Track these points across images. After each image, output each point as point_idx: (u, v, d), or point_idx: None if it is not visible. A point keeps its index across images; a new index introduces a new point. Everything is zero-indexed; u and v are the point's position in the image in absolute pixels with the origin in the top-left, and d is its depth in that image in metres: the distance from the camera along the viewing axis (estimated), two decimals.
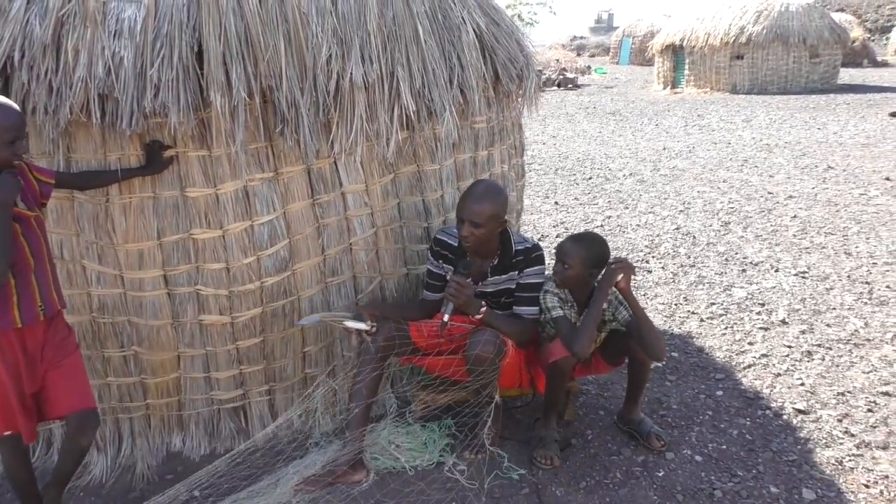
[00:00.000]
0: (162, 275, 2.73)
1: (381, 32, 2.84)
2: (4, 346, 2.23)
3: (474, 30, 3.19)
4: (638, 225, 6.28)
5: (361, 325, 2.76)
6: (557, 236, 5.98)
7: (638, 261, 5.28)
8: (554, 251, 2.98)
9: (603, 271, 2.79)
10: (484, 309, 2.75)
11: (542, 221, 6.51)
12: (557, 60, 25.87)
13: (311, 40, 2.71)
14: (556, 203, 7.18)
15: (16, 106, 2.16)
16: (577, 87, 21.22)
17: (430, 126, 3.07)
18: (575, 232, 6.01)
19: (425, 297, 3.09)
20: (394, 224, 3.13)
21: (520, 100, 3.74)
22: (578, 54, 34.67)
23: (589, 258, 2.81)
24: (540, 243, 5.49)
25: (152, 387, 2.88)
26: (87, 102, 2.45)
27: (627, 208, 6.89)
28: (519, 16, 29.29)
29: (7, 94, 2.45)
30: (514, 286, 2.93)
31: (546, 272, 2.98)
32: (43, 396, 2.34)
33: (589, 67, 26.95)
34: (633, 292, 2.76)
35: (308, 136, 2.68)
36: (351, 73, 2.73)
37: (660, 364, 3.64)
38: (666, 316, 4.29)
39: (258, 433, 3.01)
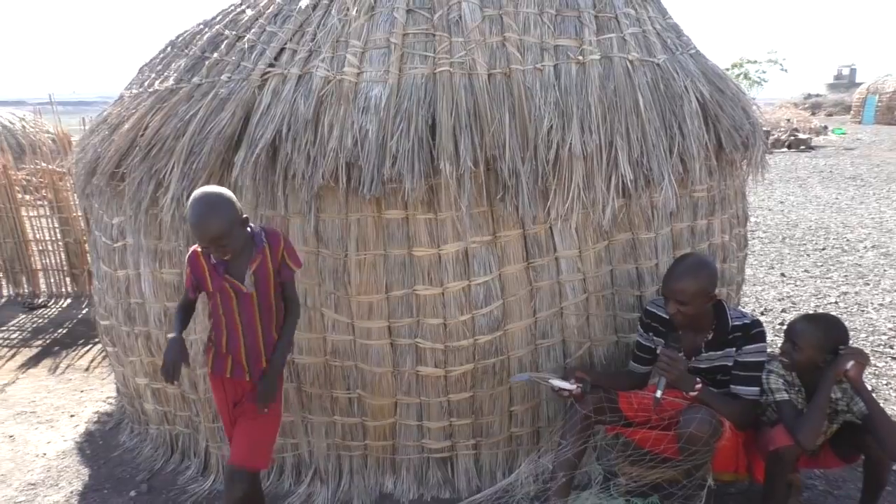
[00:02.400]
0: (387, 326, 2.97)
1: (602, 104, 2.92)
2: (218, 386, 2.59)
3: (697, 98, 3.16)
4: (881, 304, 5.63)
5: (565, 385, 2.82)
6: (783, 311, 5.54)
7: (880, 345, 4.72)
8: (784, 330, 2.79)
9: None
10: (699, 386, 2.64)
11: (766, 294, 6.07)
12: (788, 120, 24.16)
13: (534, 112, 2.86)
14: (783, 275, 6.66)
15: (209, 221, 2.24)
16: (810, 148, 19.63)
17: (648, 194, 3.06)
18: (803, 308, 5.58)
19: (632, 369, 3.04)
20: (606, 291, 3.13)
21: (744, 168, 3.59)
22: (813, 113, 32.15)
23: (824, 343, 2.59)
24: (760, 318, 5.14)
25: (371, 429, 3.11)
26: (336, 170, 2.78)
27: (868, 284, 6.20)
28: (745, 75, 27.91)
29: (274, 163, 2.86)
30: (730, 363, 2.78)
31: (768, 350, 2.79)
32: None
33: (825, 127, 24.82)
34: (875, 381, 2.49)
35: (526, 203, 2.80)
36: (570, 143, 2.83)
37: None
38: None
39: (462, 484, 3.12)
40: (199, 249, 2.43)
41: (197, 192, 2.33)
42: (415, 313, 2.95)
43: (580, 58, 2.97)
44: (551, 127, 2.84)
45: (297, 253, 2.57)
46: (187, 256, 2.49)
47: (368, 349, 2.99)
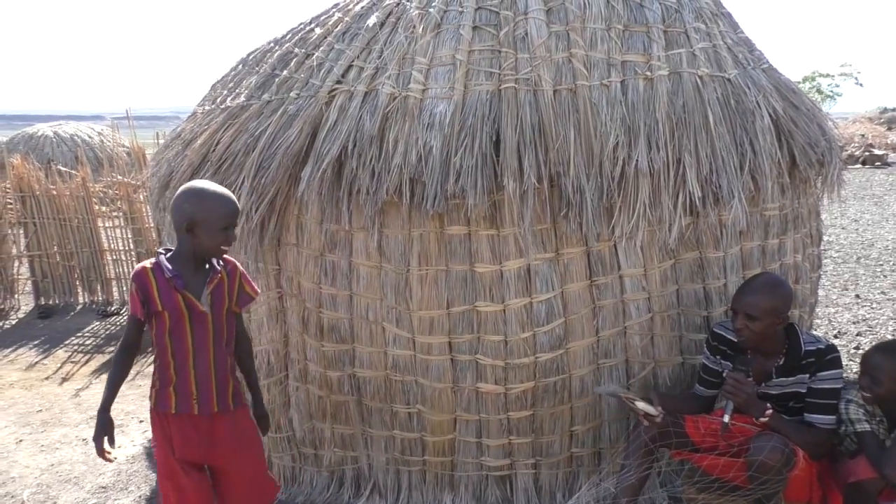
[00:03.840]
0: (447, 341, 2.96)
1: (670, 120, 2.87)
2: (164, 425, 2.35)
3: (769, 114, 3.07)
4: None
5: (651, 409, 2.72)
6: (857, 334, 5.30)
7: None
8: (860, 363, 2.66)
9: None
10: (770, 412, 2.55)
11: (840, 317, 5.82)
12: (863, 135, 23.24)
13: (600, 128, 2.83)
14: (858, 296, 6.38)
15: (232, 196, 2.34)
16: (886, 164, 18.83)
17: (717, 212, 2.98)
18: (880, 332, 5.32)
19: (697, 392, 2.95)
20: (671, 311, 3.05)
21: (819, 185, 3.47)
22: (889, 128, 30.84)
23: None
24: (835, 342, 4.94)
25: (430, 444, 3.10)
26: (400, 185, 2.80)
27: None
28: (817, 89, 26.99)
29: (339, 178, 2.90)
30: (803, 390, 2.68)
31: (843, 375, 2.68)
32: (218, 482, 2.43)
33: None
34: None
35: (591, 220, 2.77)
36: (637, 160, 2.78)
37: None
38: None
39: None
40: (149, 266, 2.31)
41: (196, 182, 2.38)
42: (475, 329, 2.94)
43: (648, 73, 2.92)
44: (617, 143, 2.81)
45: (252, 281, 2.51)
46: (133, 275, 2.33)
47: (429, 364, 2.99)
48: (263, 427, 2.62)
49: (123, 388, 4.25)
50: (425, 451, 3.12)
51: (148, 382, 4.84)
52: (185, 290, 2.29)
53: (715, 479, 2.69)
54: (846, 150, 19.82)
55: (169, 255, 2.35)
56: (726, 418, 2.56)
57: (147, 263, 2.34)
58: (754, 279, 2.78)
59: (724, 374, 2.73)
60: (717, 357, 2.85)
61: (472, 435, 3.06)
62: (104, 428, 2.36)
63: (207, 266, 2.35)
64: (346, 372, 3.10)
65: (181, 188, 2.34)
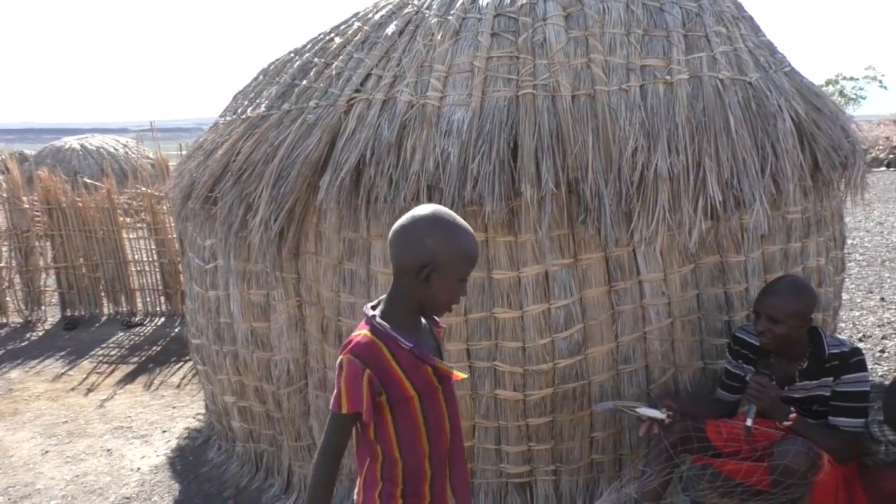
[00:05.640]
0: (465, 348, 2.96)
1: (690, 124, 2.85)
2: None
3: (791, 117, 3.05)
4: None
5: (656, 413, 2.71)
6: (883, 337, 5.21)
7: None
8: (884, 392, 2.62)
9: None
10: (794, 416, 2.51)
11: (864, 320, 5.73)
12: (887, 138, 22.90)
13: (619, 133, 2.82)
14: (883, 300, 6.28)
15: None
16: None
17: (738, 216, 2.95)
18: None
19: (719, 397, 2.92)
20: (692, 315, 3.02)
21: (842, 188, 3.43)
22: None
23: None
24: (860, 345, 4.85)
25: None
26: (418, 193, 2.81)
27: None
28: (841, 92, 26.71)
29: (357, 186, 2.91)
30: (828, 394, 2.64)
31: (870, 380, 2.63)
32: None
33: None
34: None
35: (609, 225, 2.75)
36: (656, 164, 2.77)
37: None
38: None
39: None
40: (376, 339, 1.61)
41: (440, 210, 1.64)
42: (493, 336, 2.94)
43: (668, 77, 2.91)
44: (636, 148, 2.80)
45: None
46: (358, 355, 1.58)
47: None
48: None
49: (147, 397, 4.27)
50: None
51: (171, 393, 4.91)
52: (431, 358, 1.67)
53: (738, 484, 2.65)
54: (871, 153, 19.56)
55: (379, 311, 1.68)
56: (749, 422, 2.53)
57: (369, 336, 1.61)
58: (777, 281, 2.76)
59: (747, 378, 2.70)
60: (740, 361, 2.82)
61: (491, 442, 3.05)
62: None
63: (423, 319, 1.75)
64: None
65: (418, 216, 1.62)
